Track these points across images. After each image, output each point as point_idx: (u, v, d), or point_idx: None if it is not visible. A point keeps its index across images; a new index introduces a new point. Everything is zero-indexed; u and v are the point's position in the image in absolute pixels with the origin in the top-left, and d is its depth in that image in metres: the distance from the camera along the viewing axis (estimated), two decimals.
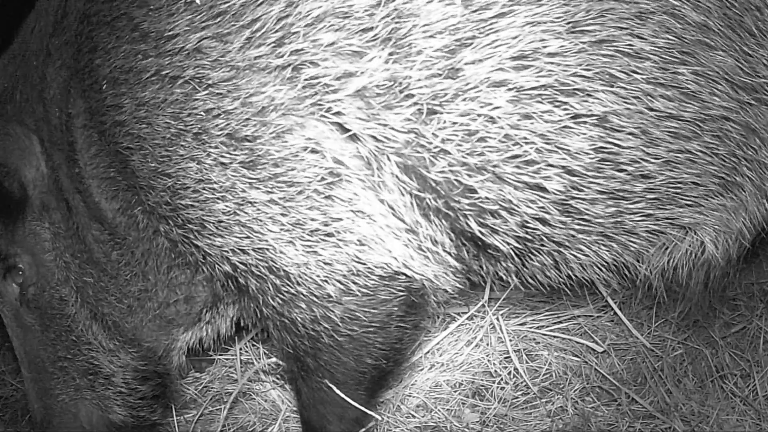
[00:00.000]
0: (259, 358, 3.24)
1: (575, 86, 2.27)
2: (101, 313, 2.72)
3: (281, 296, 2.51)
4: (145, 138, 2.41)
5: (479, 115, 2.30)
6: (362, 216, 2.41)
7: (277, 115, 2.33)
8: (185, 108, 2.36)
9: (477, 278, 2.65)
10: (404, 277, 2.49)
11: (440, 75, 2.28)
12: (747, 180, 2.42)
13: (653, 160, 2.35)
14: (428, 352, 3.21)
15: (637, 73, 2.26)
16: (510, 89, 2.27)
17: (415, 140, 2.33)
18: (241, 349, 3.25)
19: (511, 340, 3.21)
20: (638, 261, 2.54)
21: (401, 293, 2.51)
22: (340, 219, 2.40)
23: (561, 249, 2.48)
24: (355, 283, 2.47)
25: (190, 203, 2.44)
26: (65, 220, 2.65)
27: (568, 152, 2.32)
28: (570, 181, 2.35)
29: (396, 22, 2.27)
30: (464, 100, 2.29)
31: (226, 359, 3.28)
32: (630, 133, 2.31)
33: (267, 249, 2.45)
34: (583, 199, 2.38)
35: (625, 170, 2.35)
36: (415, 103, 2.30)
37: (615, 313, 3.24)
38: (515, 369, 3.15)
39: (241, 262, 2.49)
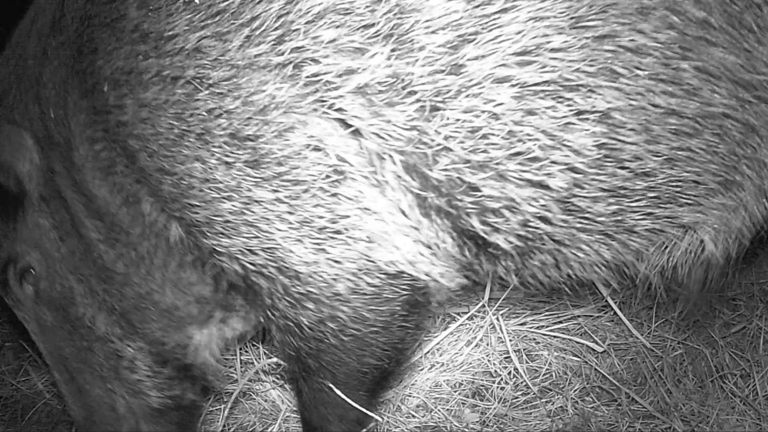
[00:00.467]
0: (259, 358, 3.24)
1: (579, 82, 2.26)
2: (107, 306, 2.70)
3: (290, 297, 2.50)
4: (149, 139, 2.40)
5: (483, 112, 2.29)
6: (369, 213, 2.40)
7: (278, 114, 2.32)
8: (187, 108, 2.35)
9: (477, 278, 2.64)
10: (408, 275, 2.49)
11: (443, 71, 2.27)
12: (747, 179, 2.41)
13: (654, 158, 2.34)
14: (428, 352, 3.22)
15: (640, 68, 2.26)
16: (513, 85, 2.26)
17: (417, 138, 2.32)
18: (241, 349, 3.25)
19: (511, 340, 3.21)
20: (638, 260, 2.53)
21: (405, 292, 2.50)
22: (348, 216, 2.39)
23: (562, 248, 2.47)
24: (364, 281, 2.46)
25: (196, 203, 2.43)
26: (60, 214, 2.64)
27: (571, 149, 2.31)
28: (573, 178, 2.35)
29: (398, 18, 2.25)
30: (467, 96, 2.28)
31: (226, 359, 3.28)
32: (632, 130, 2.30)
33: (276, 248, 2.44)
34: (585, 197, 2.38)
35: (627, 167, 2.35)
36: (418, 100, 2.29)
37: (615, 313, 3.24)
38: (515, 369, 3.15)
39: (250, 263, 2.48)
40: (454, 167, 2.34)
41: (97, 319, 2.71)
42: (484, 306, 3.26)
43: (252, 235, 2.43)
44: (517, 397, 3.09)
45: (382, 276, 2.46)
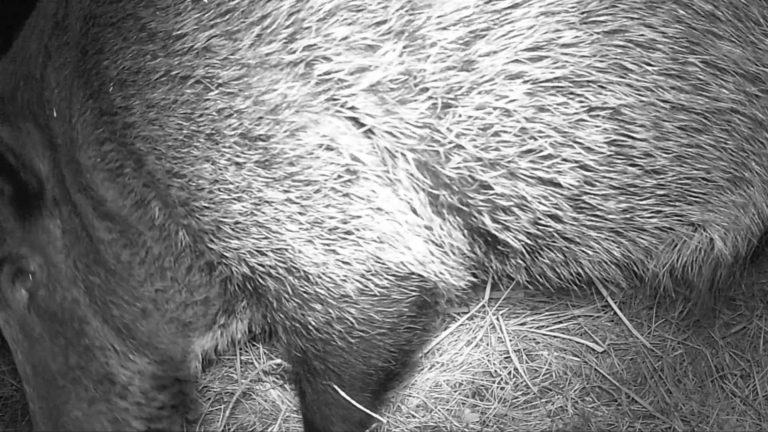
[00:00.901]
0: (259, 358, 3.23)
1: (590, 78, 2.25)
2: (110, 316, 2.66)
3: (298, 298, 2.47)
4: (157, 140, 2.38)
5: (495, 109, 2.28)
6: (381, 213, 2.38)
7: (290, 113, 2.30)
8: (197, 108, 2.32)
9: (486, 276, 2.64)
10: (418, 276, 2.47)
11: (455, 68, 2.26)
12: (755, 175, 2.41)
13: (664, 155, 2.34)
14: (428, 352, 3.21)
15: (649, 64, 2.25)
16: (526, 81, 2.26)
17: (429, 135, 2.31)
18: (241, 349, 3.25)
19: (511, 340, 3.21)
20: (647, 258, 2.53)
21: (413, 293, 2.49)
22: (359, 216, 2.37)
23: (572, 246, 2.46)
24: (372, 282, 2.44)
25: (205, 205, 2.40)
26: (71, 218, 2.61)
27: (582, 146, 2.31)
28: (584, 176, 2.34)
29: (410, 15, 2.24)
30: (479, 93, 2.27)
31: (226, 359, 3.28)
32: (642, 126, 2.30)
33: (285, 249, 2.41)
34: (596, 195, 2.37)
35: (637, 165, 2.34)
36: (430, 97, 2.27)
37: (615, 313, 3.24)
38: (515, 369, 3.15)
39: (259, 264, 2.45)
40: (466, 165, 2.33)
41: (98, 335, 2.66)
42: (484, 306, 3.26)
43: (262, 236, 2.41)
44: (517, 397, 3.09)
45: (391, 277, 2.45)
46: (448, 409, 3.06)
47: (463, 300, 2.72)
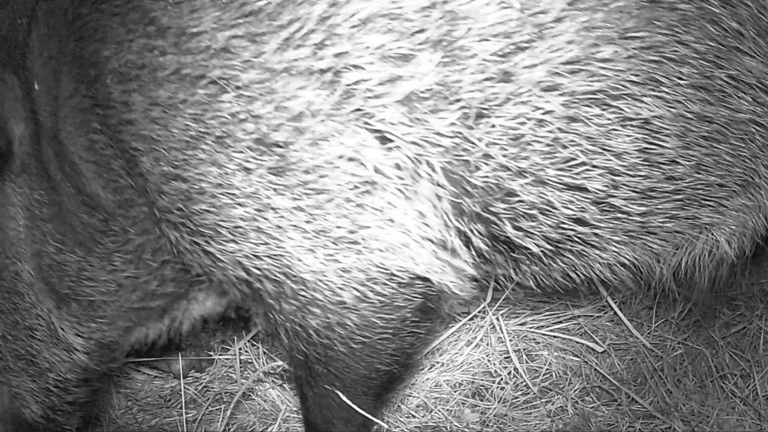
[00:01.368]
0: (259, 358, 3.23)
1: (625, 91, 2.27)
2: (67, 296, 2.59)
3: (296, 301, 2.44)
4: (158, 140, 2.31)
5: (529, 119, 2.27)
6: (392, 224, 2.35)
7: (315, 122, 2.25)
8: (208, 110, 2.26)
9: (486, 282, 2.64)
10: (422, 282, 2.45)
11: (493, 79, 2.24)
12: (765, 180, 2.44)
13: (686, 162, 2.36)
14: (428, 352, 3.21)
15: (681, 78, 2.28)
16: (562, 94, 2.26)
17: (458, 145, 2.28)
18: (240, 349, 3.24)
19: (511, 340, 3.21)
20: (655, 261, 2.54)
21: (417, 299, 2.46)
22: (368, 227, 2.34)
23: (587, 249, 2.47)
24: (372, 290, 2.41)
25: (205, 209, 2.35)
26: (47, 194, 2.51)
27: (613, 153, 2.32)
28: (612, 180, 2.35)
29: (450, 25, 2.21)
30: (516, 104, 2.25)
31: (226, 359, 3.28)
32: (669, 135, 2.32)
33: (284, 256, 2.37)
34: (619, 198, 2.39)
35: (661, 170, 2.36)
36: (462, 108, 2.25)
37: (615, 313, 3.24)
38: (515, 369, 3.15)
39: (255, 267, 2.41)
40: (494, 174, 2.32)
41: (36, 316, 2.59)
42: (484, 306, 3.26)
43: (261, 242, 2.37)
44: (517, 397, 3.09)
45: (395, 284, 2.42)
46: (448, 409, 3.06)
47: (467, 302, 2.73)
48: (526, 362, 3.17)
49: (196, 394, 3.17)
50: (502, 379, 3.14)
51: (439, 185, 2.32)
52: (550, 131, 2.28)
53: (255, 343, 3.26)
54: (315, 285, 2.40)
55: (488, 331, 3.25)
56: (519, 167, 2.31)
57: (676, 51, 2.26)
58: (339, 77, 2.23)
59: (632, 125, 2.30)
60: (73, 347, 2.64)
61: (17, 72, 2.46)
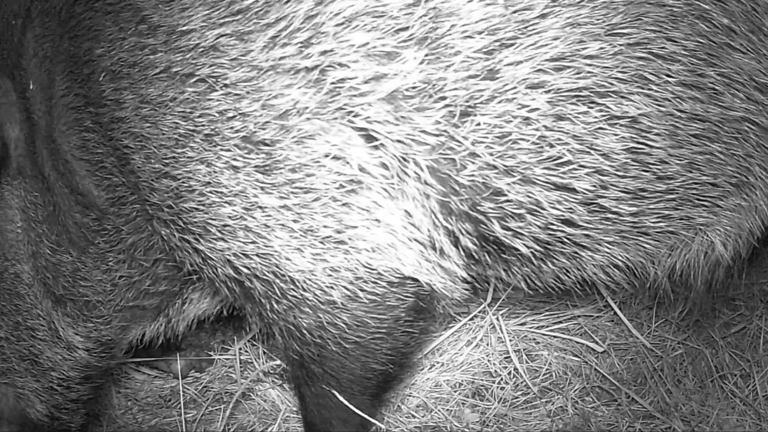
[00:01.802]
0: (259, 358, 3.23)
1: (611, 88, 2.26)
2: (64, 296, 2.60)
3: (287, 300, 2.45)
4: (148, 138, 2.33)
5: (515, 117, 2.27)
6: (378, 224, 2.35)
7: (300, 120, 2.26)
8: (197, 108, 2.28)
9: (484, 285, 2.63)
10: (413, 282, 2.45)
11: (478, 76, 2.24)
12: (759, 180, 2.43)
13: (677, 161, 2.35)
14: (428, 352, 3.21)
15: (669, 75, 2.27)
16: (548, 91, 2.26)
17: (444, 143, 2.29)
18: (240, 349, 3.24)
19: (511, 340, 3.21)
20: (649, 262, 2.53)
21: (409, 298, 2.47)
22: (355, 227, 2.34)
23: (578, 250, 2.46)
24: (362, 289, 2.41)
25: (194, 206, 2.36)
26: (42, 195, 2.52)
27: (600, 152, 2.31)
28: (600, 180, 2.35)
29: (434, 22, 2.22)
30: (501, 101, 2.26)
31: (226, 359, 3.28)
32: (659, 134, 2.31)
33: (272, 255, 2.38)
34: (609, 198, 2.38)
35: (651, 170, 2.35)
36: (447, 105, 2.26)
37: (615, 313, 3.24)
38: (515, 369, 3.14)
39: (244, 266, 2.42)
40: (480, 172, 2.32)
41: (37, 316, 2.60)
42: (484, 306, 3.26)
43: (249, 240, 2.37)
44: (517, 397, 3.09)
45: (385, 284, 2.42)
46: (448, 409, 3.06)
47: (462, 302, 2.72)
48: (526, 362, 3.17)
49: (196, 394, 3.17)
50: (502, 379, 3.14)
51: (426, 184, 2.33)
52: (536, 129, 2.28)
53: (255, 343, 3.26)
54: (304, 284, 2.41)
55: (488, 331, 3.25)
56: (506, 166, 2.31)
57: (664, 48, 2.25)
58: (325, 75, 2.24)
59: (620, 124, 2.29)
60: (73, 345, 2.65)
61: (12, 74, 2.47)
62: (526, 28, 2.23)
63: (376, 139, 2.29)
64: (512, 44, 2.23)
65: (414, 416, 3.05)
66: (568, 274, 2.55)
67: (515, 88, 2.25)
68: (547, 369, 3.15)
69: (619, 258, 2.50)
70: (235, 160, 2.30)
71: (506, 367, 3.17)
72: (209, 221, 2.38)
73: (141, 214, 2.50)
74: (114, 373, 3.05)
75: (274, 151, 2.29)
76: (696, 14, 2.25)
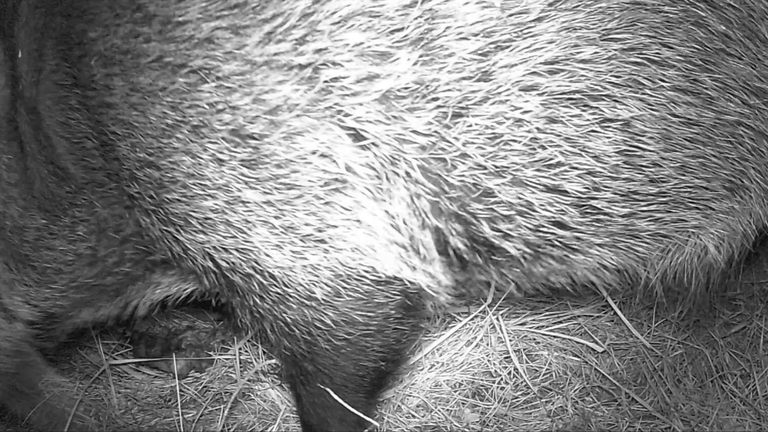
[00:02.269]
0: (259, 358, 3.23)
1: (605, 92, 2.27)
2: (32, 260, 2.57)
3: (269, 296, 2.45)
4: (135, 126, 2.33)
5: (507, 118, 2.28)
6: (358, 225, 2.36)
7: (290, 116, 2.27)
8: (187, 98, 2.28)
9: (473, 289, 2.63)
10: (400, 281, 2.46)
11: (471, 78, 2.25)
12: (754, 183, 2.43)
13: (670, 164, 2.36)
14: (428, 352, 3.21)
15: (663, 80, 2.28)
16: (541, 93, 2.27)
17: (435, 144, 2.30)
18: (240, 349, 3.25)
19: (511, 340, 3.21)
20: (641, 265, 2.54)
21: (398, 296, 2.47)
22: (336, 226, 2.35)
23: (569, 253, 2.47)
24: (345, 287, 2.42)
25: (177, 198, 2.37)
26: (16, 159, 2.51)
27: (592, 155, 2.32)
28: (592, 182, 2.35)
29: (429, 23, 2.23)
30: (493, 103, 2.27)
31: (226, 359, 3.28)
32: (652, 138, 2.32)
33: (251, 250, 2.39)
34: (601, 200, 2.38)
35: (643, 173, 2.36)
36: (439, 106, 2.26)
37: (615, 313, 3.24)
38: (515, 369, 3.14)
39: (223, 260, 2.43)
40: (471, 173, 2.32)
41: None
42: (484, 306, 3.26)
43: (229, 234, 2.38)
44: (517, 397, 3.09)
45: (370, 281, 2.43)
46: (448, 409, 3.06)
47: (449, 305, 2.73)
48: (526, 362, 3.17)
49: (195, 394, 3.17)
50: (502, 379, 3.14)
51: (417, 183, 2.33)
52: (528, 131, 2.28)
53: (255, 343, 3.26)
54: (284, 280, 2.41)
55: (488, 331, 3.25)
56: (496, 166, 2.31)
57: (659, 53, 2.26)
58: (318, 73, 2.25)
59: (612, 127, 2.30)
60: (13, 315, 2.63)
61: (4, 35, 2.46)
62: (521, 30, 2.24)
63: (366, 139, 2.29)
64: (507, 47, 2.24)
65: (414, 416, 3.05)
66: (558, 277, 2.55)
67: (509, 90, 2.26)
68: (547, 369, 3.15)
69: (610, 261, 2.50)
70: (221, 153, 2.31)
71: (506, 367, 3.17)
72: (191, 213, 2.38)
73: (118, 199, 2.49)
74: (114, 374, 3.04)
75: (261, 145, 2.29)
76: (692, 21, 2.26)
